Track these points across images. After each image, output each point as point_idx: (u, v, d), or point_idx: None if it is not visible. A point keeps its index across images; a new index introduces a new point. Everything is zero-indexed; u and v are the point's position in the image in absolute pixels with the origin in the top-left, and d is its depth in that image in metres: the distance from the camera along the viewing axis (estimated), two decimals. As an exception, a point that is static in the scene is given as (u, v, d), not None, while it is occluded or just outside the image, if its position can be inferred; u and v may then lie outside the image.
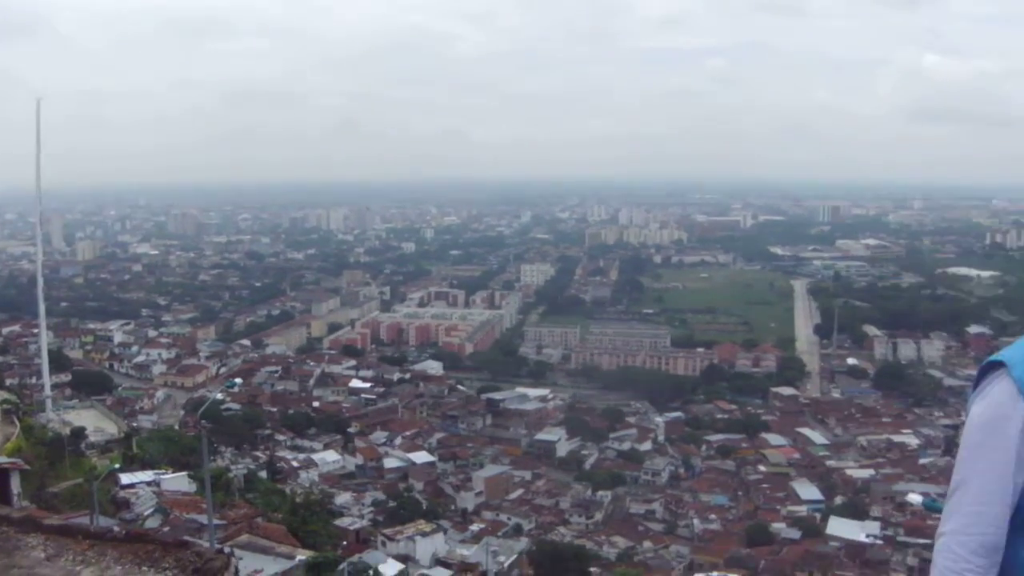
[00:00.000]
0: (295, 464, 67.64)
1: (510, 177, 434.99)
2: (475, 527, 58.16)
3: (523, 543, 54.23)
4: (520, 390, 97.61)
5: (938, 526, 2.54)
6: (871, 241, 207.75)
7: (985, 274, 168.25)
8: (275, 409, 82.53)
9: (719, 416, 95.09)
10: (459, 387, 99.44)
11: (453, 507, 64.93)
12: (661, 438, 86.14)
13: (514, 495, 67.91)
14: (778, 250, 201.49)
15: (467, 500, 65.58)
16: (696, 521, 64.56)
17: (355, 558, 33.22)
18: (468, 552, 49.22)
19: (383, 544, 43.44)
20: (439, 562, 45.23)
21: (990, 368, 2.47)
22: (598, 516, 65.58)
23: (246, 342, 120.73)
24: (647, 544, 58.93)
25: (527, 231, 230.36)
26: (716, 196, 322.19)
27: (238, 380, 72.49)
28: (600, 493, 69.11)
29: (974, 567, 2.36)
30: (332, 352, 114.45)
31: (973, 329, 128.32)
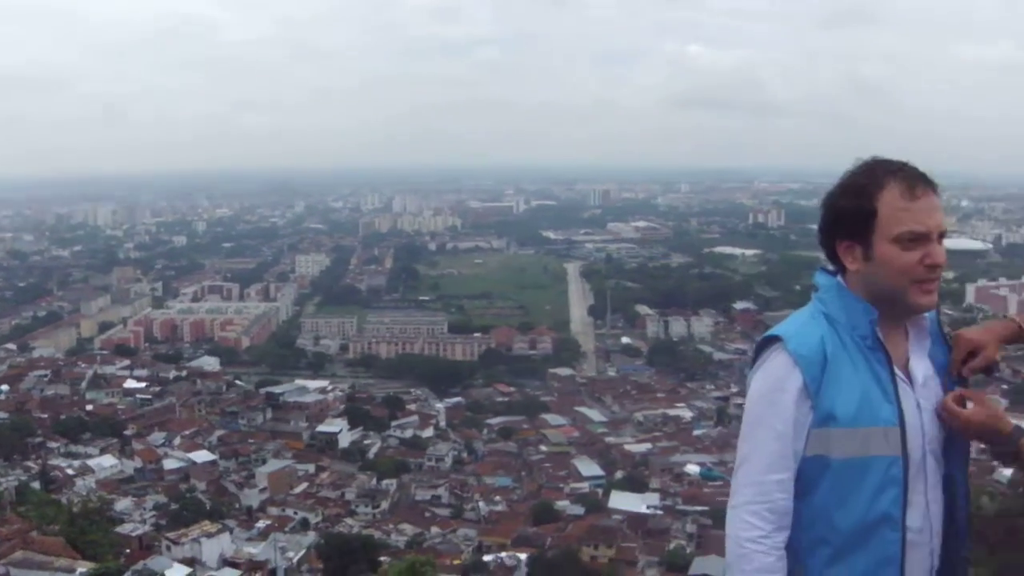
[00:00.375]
0: (70, 472, 64.20)
1: (282, 167, 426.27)
2: (261, 524, 56.79)
3: (311, 537, 53.50)
4: (299, 382, 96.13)
5: (729, 499, 2.66)
6: (641, 223, 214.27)
7: (749, 252, 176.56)
8: (46, 415, 77.83)
9: (499, 399, 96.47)
10: (237, 382, 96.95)
11: (237, 505, 63.32)
12: (443, 423, 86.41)
13: (299, 489, 66.88)
14: (551, 234, 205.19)
15: (251, 497, 64.10)
16: (482, 504, 65.03)
17: (139, 565, 32.09)
18: (256, 550, 48.30)
19: (168, 548, 42.05)
20: (226, 562, 44.24)
21: (767, 343, 2.63)
22: (384, 505, 65.34)
23: (11, 346, 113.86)
24: (435, 529, 59.01)
25: (301, 221, 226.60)
26: (489, 182, 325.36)
27: (3, 387, 68.96)
28: (385, 482, 68.73)
29: (765, 532, 2.50)
30: (104, 352, 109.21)
31: (739, 305, 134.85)
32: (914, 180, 2.52)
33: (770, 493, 2.53)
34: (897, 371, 2.60)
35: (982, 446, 2.74)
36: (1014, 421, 2.58)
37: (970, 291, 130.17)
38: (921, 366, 2.67)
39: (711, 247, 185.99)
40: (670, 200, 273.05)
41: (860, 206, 2.53)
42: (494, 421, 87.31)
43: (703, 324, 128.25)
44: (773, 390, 2.55)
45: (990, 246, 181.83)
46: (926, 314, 2.69)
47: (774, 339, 2.60)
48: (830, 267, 2.72)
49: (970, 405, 2.64)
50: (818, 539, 2.56)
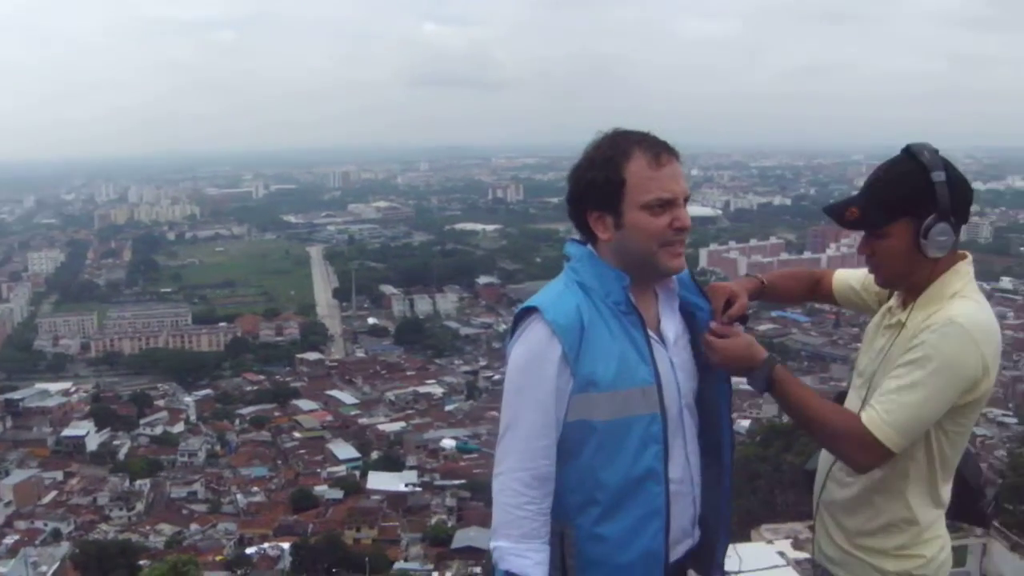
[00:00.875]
0: None
1: (8, 161, 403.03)
2: (9, 540, 55.04)
3: (64, 548, 52.21)
4: (40, 386, 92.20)
5: (494, 467, 2.74)
6: (382, 203, 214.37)
7: (489, 228, 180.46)
8: None
9: (248, 388, 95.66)
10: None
11: (-18, 523, 61.20)
12: (193, 418, 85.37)
13: (47, 498, 64.90)
14: (292, 218, 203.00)
15: (-5, 512, 62.09)
16: (240, 496, 64.98)
17: None
18: (4, 568, 46.91)
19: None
20: (-26, 583, 43.24)
21: (524, 314, 2.69)
22: (140, 506, 64.30)
23: None
24: (194, 527, 58.65)
25: (31, 216, 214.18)
26: (227, 168, 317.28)
27: None
28: (139, 482, 67.47)
29: (531, 498, 2.61)
30: None
31: (482, 280, 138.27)
32: (658, 148, 2.64)
33: (534, 459, 2.62)
34: (650, 333, 2.73)
35: (742, 378, 2.89)
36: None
37: (703, 255, 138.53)
38: (672, 326, 2.82)
39: (452, 224, 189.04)
40: (410, 179, 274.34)
41: (608, 177, 2.62)
42: (245, 411, 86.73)
43: (448, 300, 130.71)
44: (533, 360, 2.62)
45: (719, 212, 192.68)
46: (673, 276, 2.83)
47: (531, 310, 2.65)
48: (579, 237, 2.81)
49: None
50: (587, 499, 2.67)
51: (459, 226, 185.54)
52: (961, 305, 2.71)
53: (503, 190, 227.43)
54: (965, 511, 3.13)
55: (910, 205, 2.69)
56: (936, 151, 2.74)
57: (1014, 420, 78.65)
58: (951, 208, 2.67)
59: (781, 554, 8.15)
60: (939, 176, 2.67)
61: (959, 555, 9.85)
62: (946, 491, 2.93)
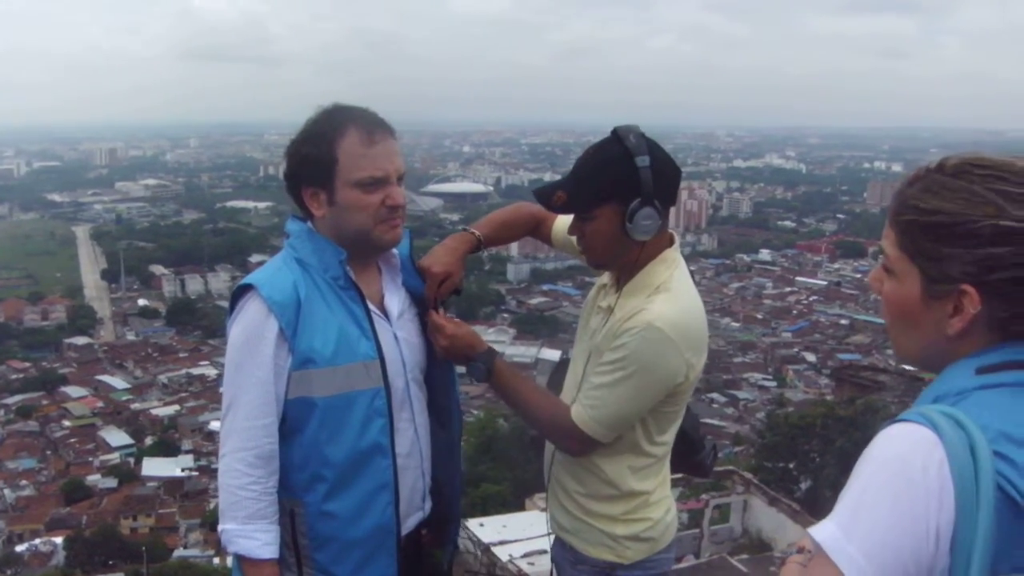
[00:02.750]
0: None
1: None
2: None
3: None
4: None
5: (219, 449, 2.70)
6: (151, 181, 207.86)
7: (262, 205, 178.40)
8: None
9: (13, 376, 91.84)
10: None
11: None
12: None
13: None
14: (56, 197, 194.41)
15: None
16: (7, 491, 62.49)
17: None
18: None
19: None
20: None
21: (241, 292, 2.64)
22: None
23: None
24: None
25: None
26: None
27: None
28: None
29: (255, 478, 2.58)
30: None
31: (255, 258, 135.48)
32: (372, 126, 2.61)
33: (256, 439, 2.59)
34: (373, 307, 2.72)
35: (462, 367, 2.97)
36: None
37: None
38: (396, 300, 2.82)
39: (224, 202, 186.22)
40: (179, 156, 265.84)
41: (321, 153, 2.60)
42: (11, 400, 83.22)
43: (220, 280, 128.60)
44: (251, 338, 2.58)
45: (491, 188, 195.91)
46: (395, 251, 2.84)
47: (248, 287, 2.62)
48: (300, 215, 2.78)
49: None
50: (313, 476, 2.66)
51: (230, 204, 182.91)
52: (662, 304, 2.72)
53: (275, 167, 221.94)
54: (686, 462, 3.26)
55: (615, 189, 2.70)
56: (642, 135, 2.77)
57: (773, 383, 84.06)
58: (655, 192, 2.69)
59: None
60: (643, 161, 2.70)
61: (723, 512, 11.09)
62: (666, 459, 3.06)
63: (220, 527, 2.64)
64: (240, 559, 2.65)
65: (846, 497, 1.38)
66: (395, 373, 2.72)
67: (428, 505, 2.94)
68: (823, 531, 1.35)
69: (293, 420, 2.65)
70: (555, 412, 2.90)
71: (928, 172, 1.46)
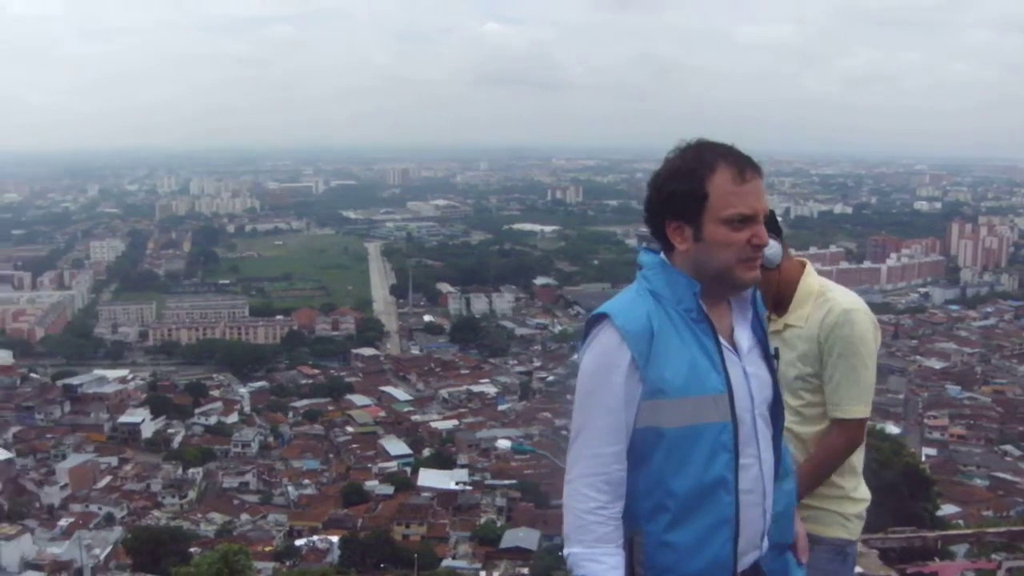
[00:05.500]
0: None
1: (75, 149, 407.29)
2: (64, 522, 55.59)
3: (117, 532, 52.88)
4: (98, 372, 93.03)
5: (565, 473, 2.73)
6: (440, 202, 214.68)
7: (548, 228, 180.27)
8: None
9: (303, 382, 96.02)
10: (32, 375, 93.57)
11: (38, 504, 61.47)
12: (247, 409, 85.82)
13: (102, 483, 65.44)
14: (351, 214, 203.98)
15: (52, 495, 62.34)
16: (291, 488, 65.26)
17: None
18: (59, 550, 47.56)
19: (-35, 554, 41.23)
20: (29, 565, 43.60)
21: (595, 321, 2.68)
22: (192, 495, 64.76)
23: None
24: (245, 516, 59.05)
25: (95, 206, 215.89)
26: (288, 163, 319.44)
27: None
28: (191, 471, 68.00)
29: (601, 503, 2.60)
30: None
31: (539, 280, 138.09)
32: (743, 164, 2.65)
33: (605, 465, 2.61)
34: (723, 341, 2.71)
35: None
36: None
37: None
38: (745, 336, 2.80)
39: (511, 224, 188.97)
40: (469, 178, 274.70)
41: (691, 189, 2.61)
42: (299, 404, 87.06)
43: (504, 300, 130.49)
44: (603, 366, 2.62)
45: (779, 219, 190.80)
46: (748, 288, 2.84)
47: (602, 316, 2.66)
48: (651, 246, 2.81)
49: None
50: (656, 506, 2.66)
51: (517, 226, 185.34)
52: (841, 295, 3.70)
53: (562, 191, 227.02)
54: None
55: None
56: None
57: None
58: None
59: None
60: None
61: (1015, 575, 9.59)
62: None
63: (566, 551, 2.67)
64: None
65: None
66: (743, 408, 2.71)
67: (766, 544, 2.86)
68: None
69: (641, 449, 2.68)
70: (837, 439, 3.58)
71: None
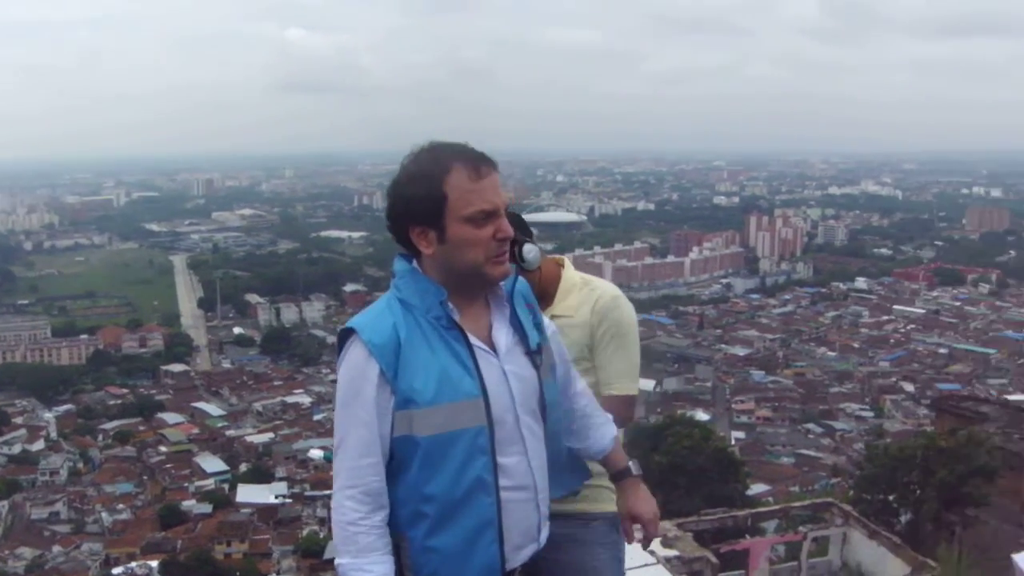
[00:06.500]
0: None
1: None
2: None
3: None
4: None
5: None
6: (247, 211, 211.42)
7: (356, 235, 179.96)
8: None
9: (112, 402, 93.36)
10: None
11: None
12: (54, 434, 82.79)
13: None
14: (155, 226, 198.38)
15: None
16: (104, 514, 63.62)
17: None
18: None
19: None
20: None
21: (345, 335, 2.73)
22: (-2, 530, 62.79)
23: None
24: (57, 548, 57.16)
25: None
26: (87, 175, 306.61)
27: None
28: (-4, 504, 65.85)
29: (364, 514, 2.67)
30: None
31: (349, 287, 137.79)
32: (477, 161, 2.66)
33: (363, 477, 2.67)
34: (480, 343, 2.75)
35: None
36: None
37: (568, 261, 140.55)
38: (503, 334, 2.83)
39: (318, 231, 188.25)
40: (275, 186, 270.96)
41: (430, 192, 2.63)
42: (109, 426, 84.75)
43: (315, 309, 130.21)
44: (354, 380, 2.66)
45: (584, 217, 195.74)
46: (501, 283, 2.86)
47: (350, 331, 2.70)
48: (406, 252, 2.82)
49: None
50: (415, 512, 2.71)
51: (325, 233, 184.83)
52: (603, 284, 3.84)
53: (369, 197, 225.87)
54: None
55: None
56: None
57: (871, 414, 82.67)
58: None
59: (651, 552, 8.13)
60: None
61: (822, 545, 10.83)
62: None
63: (337, 562, 2.72)
64: None
65: None
66: (503, 408, 2.73)
67: (544, 535, 2.91)
68: None
69: (399, 458, 2.71)
70: (616, 411, 3.47)
71: None
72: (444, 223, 2.64)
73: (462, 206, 2.63)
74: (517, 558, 2.81)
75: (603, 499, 3.57)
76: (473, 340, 2.73)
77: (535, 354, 2.86)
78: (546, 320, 3.02)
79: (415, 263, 2.76)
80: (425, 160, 2.67)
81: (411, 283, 2.73)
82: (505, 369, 2.77)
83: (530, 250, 3.31)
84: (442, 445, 2.66)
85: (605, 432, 3.21)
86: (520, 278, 2.95)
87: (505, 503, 2.74)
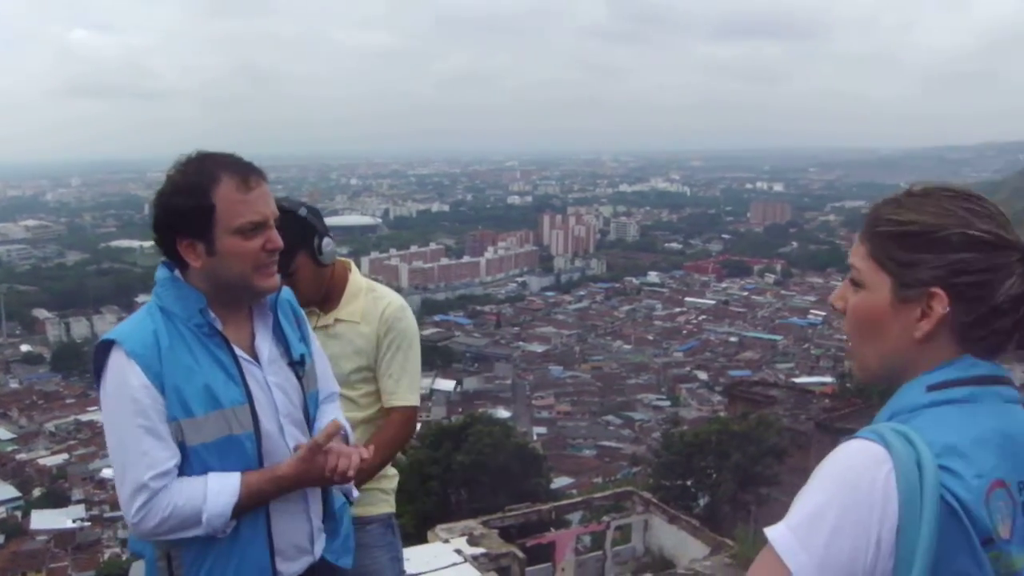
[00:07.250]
0: None
1: None
2: None
3: None
4: None
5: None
6: (31, 222, 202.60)
7: (147, 244, 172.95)
8: None
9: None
10: None
11: None
12: None
13: None
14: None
15: None
16: None
17: None
18: None
19: None
20: None
21: (105, 348, 2.59)
22: None
23: None
24: None
25: None
26: None
27: None
28: None
29: (154, 525, 2.55)
30: None
31: (141, 299, 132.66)
32: (246, 172, 2.60)
33: (145, 489, 2.52)
34: (242, 353, 2.69)
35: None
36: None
37: (364, 264, 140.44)
38: (266, 345, 2.77)
39: (108, 241, 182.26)
40: (61, 195, 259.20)
41: (197, 204, 2.55)
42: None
43: (106, 322, 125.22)
44: (119, 393, 2.53)
45: (379, 220, 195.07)
46: (267, 296, 2.80)
47: (110, 343, 2.56)
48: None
49: None
50: None
51: (115, 243, 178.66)
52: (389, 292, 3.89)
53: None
54: None
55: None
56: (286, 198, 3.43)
57: (667, 403, 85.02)
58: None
59: (458, 551, 8.33)
60: (303, 211, 3.45)
61: (625, 533, 11.33)
62: None
63: (203, 526, 2.59)
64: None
65: (799, 503, 1.48)
66: (267, 418, 2.69)
67: (319, 547, 2.88)
68: (776, 532, 1.46)
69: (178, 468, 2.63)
70: (397, 427, 3.67)
71: (899, 195, 1.60)
72: (213, 235, 2.58)
73: (231, 218, 2.57)
74: (290, 569, 2.78)
75: (376, 502, 3.71)
76: (236, 349, 2.69)
77: (298, 365, 2.82)
78: (312, 335, 3.03)
79: (176, 271, 2.70)
80: (192, 171, 2.61)
81: (171, 291, 2.67)
82: (268, 380, 2.73)
83: (328, 243, 3.47)
84: (213, 453, 2.60)
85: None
86: (285, 287, 2.91)
87: (275, 514, 2.72)
